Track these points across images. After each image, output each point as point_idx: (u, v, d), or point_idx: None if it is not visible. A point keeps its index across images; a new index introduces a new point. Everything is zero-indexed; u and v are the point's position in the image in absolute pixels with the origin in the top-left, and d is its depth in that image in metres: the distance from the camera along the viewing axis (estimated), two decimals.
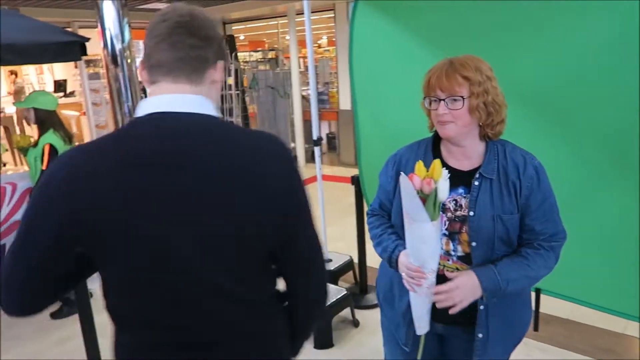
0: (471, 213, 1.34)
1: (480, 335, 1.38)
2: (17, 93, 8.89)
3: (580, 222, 2.07)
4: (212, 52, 0.98)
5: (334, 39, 7.89)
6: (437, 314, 1.36)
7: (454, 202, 1.37)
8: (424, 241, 1.25)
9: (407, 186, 1.22)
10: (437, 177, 1.22)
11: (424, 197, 1.22)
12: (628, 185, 1.90)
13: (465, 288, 1.28)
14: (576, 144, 2.00)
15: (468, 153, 1.38)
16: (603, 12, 1.84)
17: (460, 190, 1.37)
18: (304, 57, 10.21)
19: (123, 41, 5.37)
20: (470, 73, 1.29)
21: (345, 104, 7.29)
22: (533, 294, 2.32)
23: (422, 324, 1.37)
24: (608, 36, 1.83)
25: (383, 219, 1.54)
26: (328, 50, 12.33)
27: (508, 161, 1.35)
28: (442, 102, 1.31)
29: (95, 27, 5.31)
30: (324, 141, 8.89)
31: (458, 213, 1.37)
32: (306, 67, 10.25)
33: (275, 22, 9.44)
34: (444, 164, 1.35)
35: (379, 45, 2.66)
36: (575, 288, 2.25)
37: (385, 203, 1.53)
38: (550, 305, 2.54)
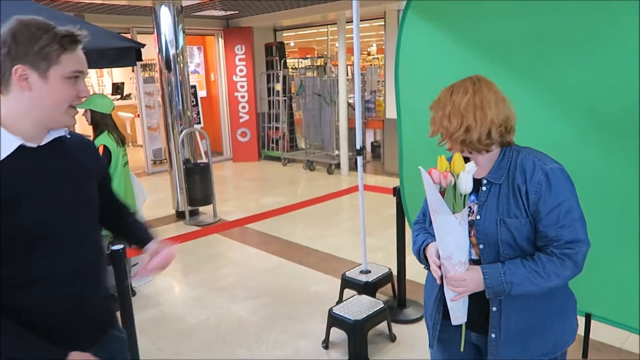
0: (478, 217, 1.41)
1: (493, 335, 1.43)
2: None
3: (599, 233, 1.97)
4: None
5: (383, 47, 7.84)
6: (472, 323, 1.45)
7: (468, 208, 1.42)
8: (449, 233, 1.32)
9: (427, 180, 1.30)
10: (458, 170, 1.29)
11: (442, 190, 1.29)
12: None
13: (472, 282, 1.36)
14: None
15: (480, 162, 1.44)
16: None
17: (472, 197, 1.44)
18: (352, 65, 10.22)
19: (177, 47, 5.58)
20: (436, 118, 1.44)
21: (391, 112, 7.22)
22: (582, 319, 2.20)
23: (457, 315, 1.43)
24: None
25: (425, 224, 1.63)
26: (377, 58, 12.30)
27: (517, 167, 1.40)
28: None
29: (152, 33, 5.54)
30: (369, 149, 8.84)
31: (469, 218, 1.43)
32: (353, 75, 10.25)
33: (325, 30, 9.51)
34: None
35: (426, 54, 2.61)
36: (629, 315, 2.11)
37: (427, 210, 1.59)
38: (602, 332, 2.39)
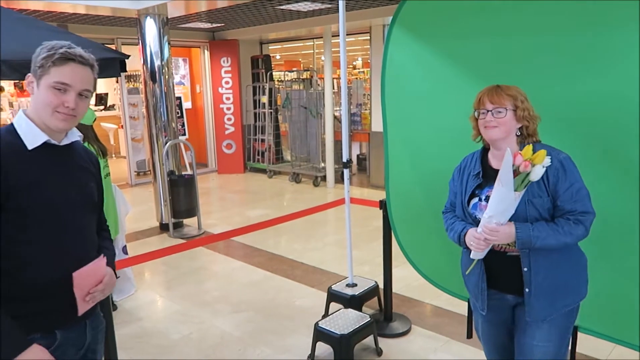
0: None
1: (527, 290, 1.76)
2: None
3: (622, 258, 2.00)
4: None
5: (368, 61, 7.91)
6: (508, 287, 1.82)
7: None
8: (502, 201, 1.63)
9: (509, 160, 1.59)
10: (538, 162, 1.60)
11: (516, 172, 1.60)
12: None
13: (503, 234, 1.67)
14: (625, 177, 1.90)
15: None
16: None
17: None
18: (338, 78, 10.29)
19: (162, 58, 5.55)
20: (513, 92, 1.73)
21: (377, 125, 7.26)
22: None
23: (477, 255, 1.79)
24: None
25: (453, 213, 1.96)
26: (363, 71, 12.41)
27: None
28: (489, 112, 1.72)
29: (137, 44, 5.51)
30: (354, 162, 8.86)
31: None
32: (340, 88, 10.30)
33: (311, 43, 9.56)
34: (489, 167, 1.82)
35: (412, 69, 2.64)
36: (615, 326, 2.13)
37: (454, 201, 1.97)
38: (587, 345, 2.40)
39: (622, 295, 2.06)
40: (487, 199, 1.77)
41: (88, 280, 1.47)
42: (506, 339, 1.97)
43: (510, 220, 1.70)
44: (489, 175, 1.79)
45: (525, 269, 1.75)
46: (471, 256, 1.81)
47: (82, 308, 1.47)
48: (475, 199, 1.82)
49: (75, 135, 1.53)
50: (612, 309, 2.12)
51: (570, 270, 1.79)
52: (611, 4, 1.87)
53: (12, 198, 1.33)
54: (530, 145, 1.66)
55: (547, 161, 1.62)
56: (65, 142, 1.48)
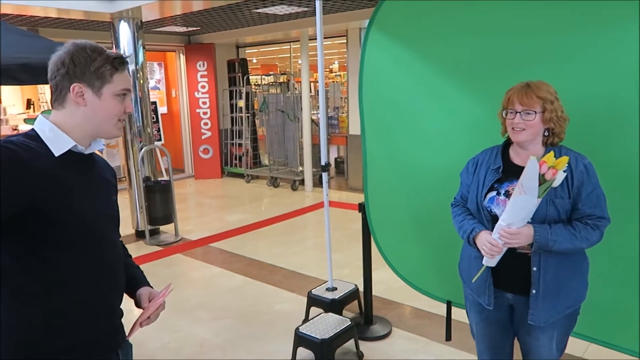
0: None
1: (534, 291, 1.75)
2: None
3: (613, 256, 2.03)
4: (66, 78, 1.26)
5: (345, 64, 7.94)
6: (510, 286, 1.82)
7: (510, 189, 1.74)
8: (524, 208, 1.63)
9: (534, 167, 1.58)
10: (561, 168, 1.60)
11: (542, 180, 1.58)
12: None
13: (524, 236, 1.66)
14: (611, 174, 1.92)
15: (531, 155, 1.68)
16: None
17: (513, 182, 1.73)
18: (315, 82, 10.29)
19: (137, 63, 5.46)
20: (544, 94, 1.69)
21: (354, 128, 7.29)
22: None
23: (490, 262, 1.76)
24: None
25: (464, 208, 1.94)
26: (339, 75, 12.45)
27: None
28: (518, 114, 1.70)
29: (111, 48, 5.41)
30: (332, 165, 8.87)
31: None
32: (317, 92, 10.31)
33: (288, 47, 9.55)
34: (510, 162, 1.81)
35: (390, 71, 2.65)
36: (591, 326, 2.16)
37: (465, 195, 1.95)
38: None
39: (615, 300, 2.08)
40: (506, 193, 1.76)
41: (154, 305, 1.44)
42: (500, 339, 1.97)
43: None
44: (509, 171, 1.78)
45: (535, 269, 1.73)
46: (483, 262, 1.78)
47: (133, 332, 1.43)
48: (493, 193, 1.79)
49: (100, 144, 1.39)
50: (606, 314, 2.13)
51: (574, 272, 1.79)
52: (591, 6, 1.90)
53: (41, 209, 1.17)
54: (552, 151, 1.64)
55: (565, 167, 1.62)
56: (89, 150, 1.34)
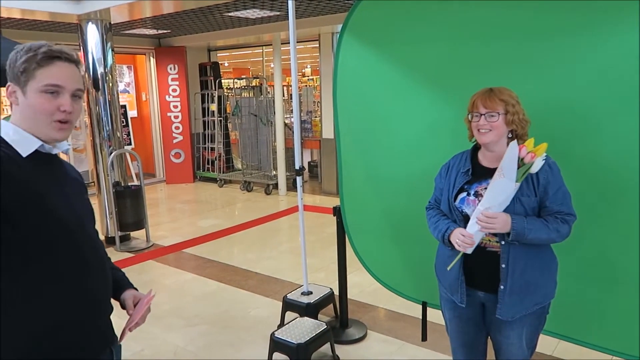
0: None
1: (502, 287, 1.82)
2: None
3: (576, 257, 2.09)
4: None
5: (318, 69, 7.96)
6: (481, 284, 1.89)
7: (485, 189, 1.80)
8: (502, 192, 1.71)
9: (514, 151, 1.69)
10: (539, 154, 1.70)
11: (520, 164, 1.69)
12: (626, 218, 1.95)
13: (500, 221, 1.72)
14: (574, 178, 1.97)
15: (497, 157, 1.81)
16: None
17: (489, 181, 1.80)
18: (288, 86, 10.28)
19: (106, 65, 5.34)
20: (506, 97, 1.78)
21: (327, 132, 7.31)
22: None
23: (467, 251, 1.82)
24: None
25: (438, 210, 2.02)
26: (312, 79, 12.48)
27: None
28: (482, 116, 1.79)
29: (78, 50, 5.27)
30: (306, 169, 8.87)
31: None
32: (290, 96, 10.31)
33: (260, 51, 9.52)
34: (479, 164, 1.90)
35: (364, 76, 2.67)
36: (566, 325, 2.22)
37: (439, 197, 2.02)
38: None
39: (585, 299, 2.14)
40: (475, 194, 1.84)
41: (140, 309, 1.42)
42: (474, 337, 2.04)
43: None
44: (478, 173, 1.87)
45: (504, 266, 1.81)
46: (457, 248, 1.84)
47: (123, 337, 1.42)
48: (464, 194, 1.87)
49: (65, 145, 1.34)
50: (576, 312, 2.19)
51: (542, 270, 1.86)
52: (561, 11, 1.96)
53: (17, 211, 1.15)
54: (533, 138, 1.74)
55: (544, 155, 1.72)
56: (56, 150, 1.30)
